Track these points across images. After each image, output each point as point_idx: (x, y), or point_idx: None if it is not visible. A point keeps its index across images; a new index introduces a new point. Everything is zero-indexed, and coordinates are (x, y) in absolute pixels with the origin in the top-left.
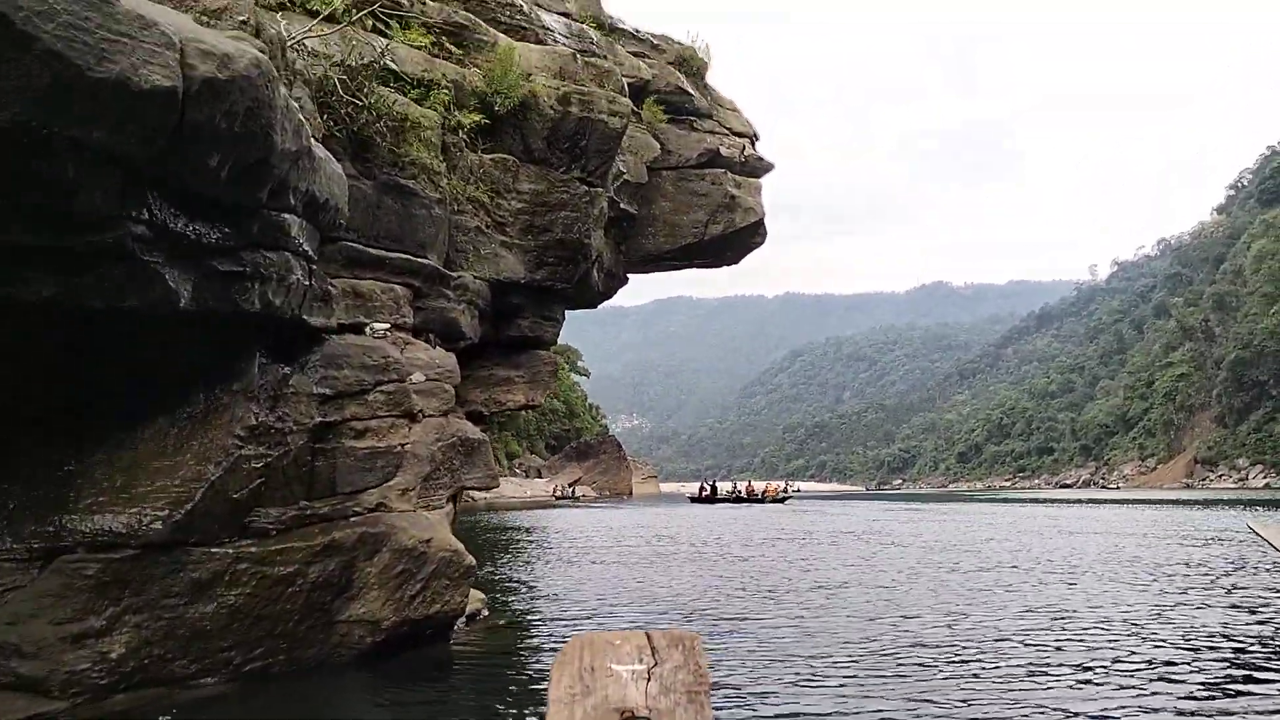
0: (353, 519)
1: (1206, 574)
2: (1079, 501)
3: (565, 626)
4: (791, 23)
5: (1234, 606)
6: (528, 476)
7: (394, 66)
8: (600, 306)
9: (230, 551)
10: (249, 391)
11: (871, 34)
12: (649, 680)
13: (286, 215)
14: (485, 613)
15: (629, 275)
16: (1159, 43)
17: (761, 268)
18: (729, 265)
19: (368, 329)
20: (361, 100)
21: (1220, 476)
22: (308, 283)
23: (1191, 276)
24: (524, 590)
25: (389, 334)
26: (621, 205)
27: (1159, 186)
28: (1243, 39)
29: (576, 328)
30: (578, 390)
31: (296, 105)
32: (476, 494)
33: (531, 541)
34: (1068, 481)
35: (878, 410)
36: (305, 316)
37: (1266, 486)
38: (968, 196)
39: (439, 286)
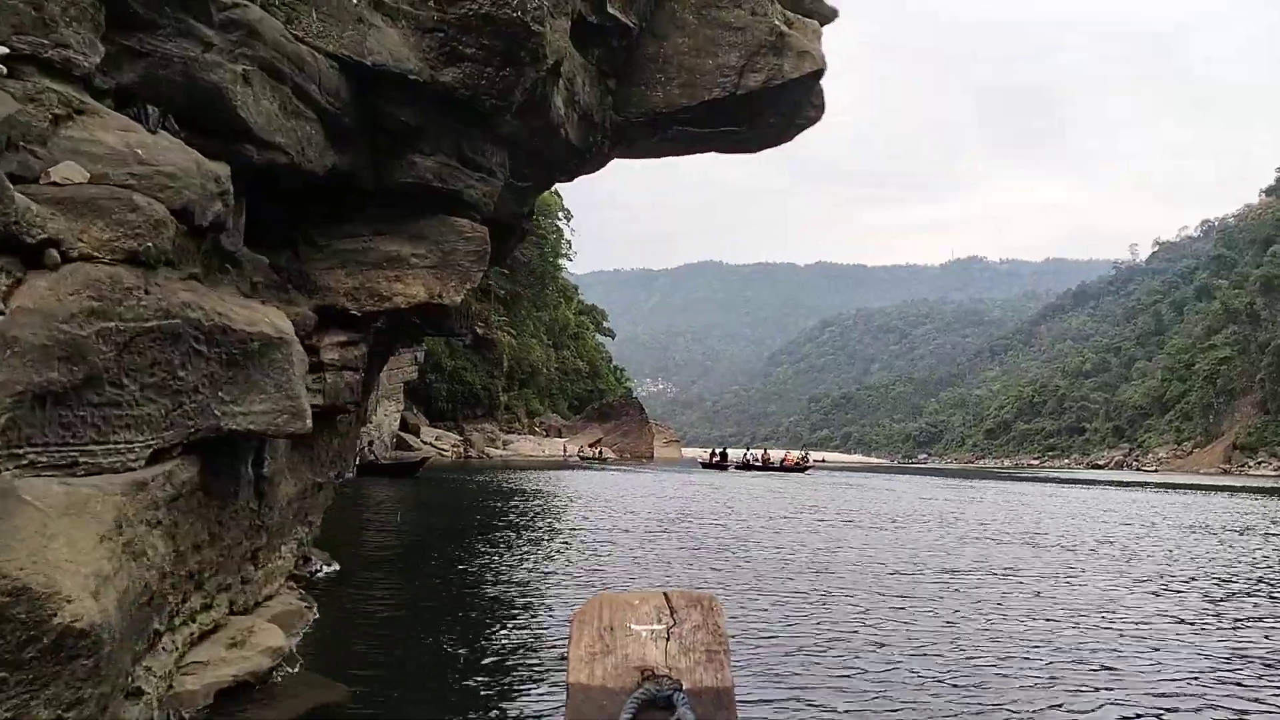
0: None
1: None
2: (1123, 484)
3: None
4: None
5: None
6: (547, 435)
7: None
8: (626, 267)
9: None
10: None
11: None
12: (668, 640)
13: None
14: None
15: (625, 152)
16: (1217, 20)
17: (794, 235)
18: (769, 144)
19: None
20: None
21: (1260, 464)
22: None
23: (1236, 259)
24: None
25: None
26: (611, 7)
27: (1205, 166)
28: None
29: (603, 290)
30: (603, 351)
31: None
32: (491, 451)
33: (514, 510)
34: (1099, 462)
35: (906, 383)
36: None
37: None
38: (1007, 170)
39: (186, 18)
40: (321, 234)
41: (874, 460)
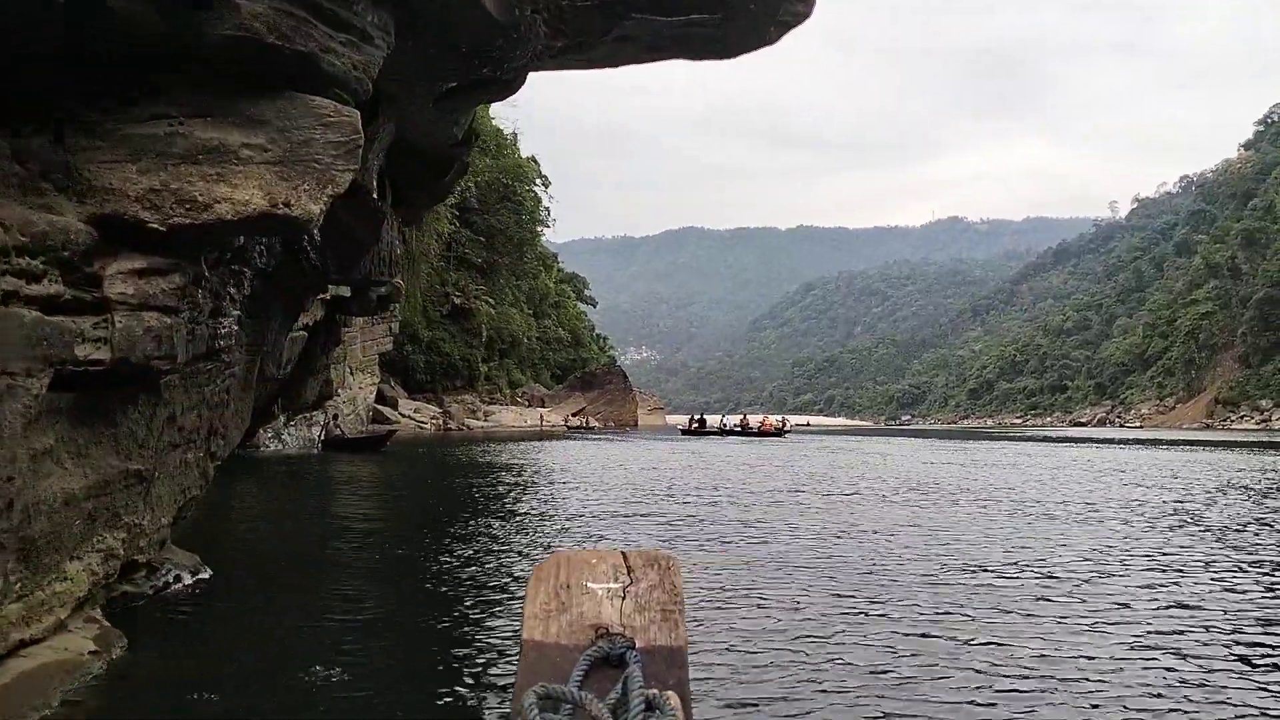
0: None
1: None
2: (1120, 442)
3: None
4: None
5: None
6: (530, 405)
7: None
8: (607, 235)
9: None
10: None
11: None
12: (624, 598)
13: None
14: None
15: (576, 56)
16: None
17: (774, 199)
18: (749, 47)
19: None
20: None
21: (1242, 417)
22: None
23: (1217, 214)
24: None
25: None
26: None
27: (1182, 122)
28: None
29: (586, 259)
30: (585, 319)
31: None
32: (472, 422)
33: (483, 481)
34: (1082, 420)
35: (889, 345)
36: None
37: None
38: (987, 131)
39: None
40: (103, 113)
41: (857, 423)
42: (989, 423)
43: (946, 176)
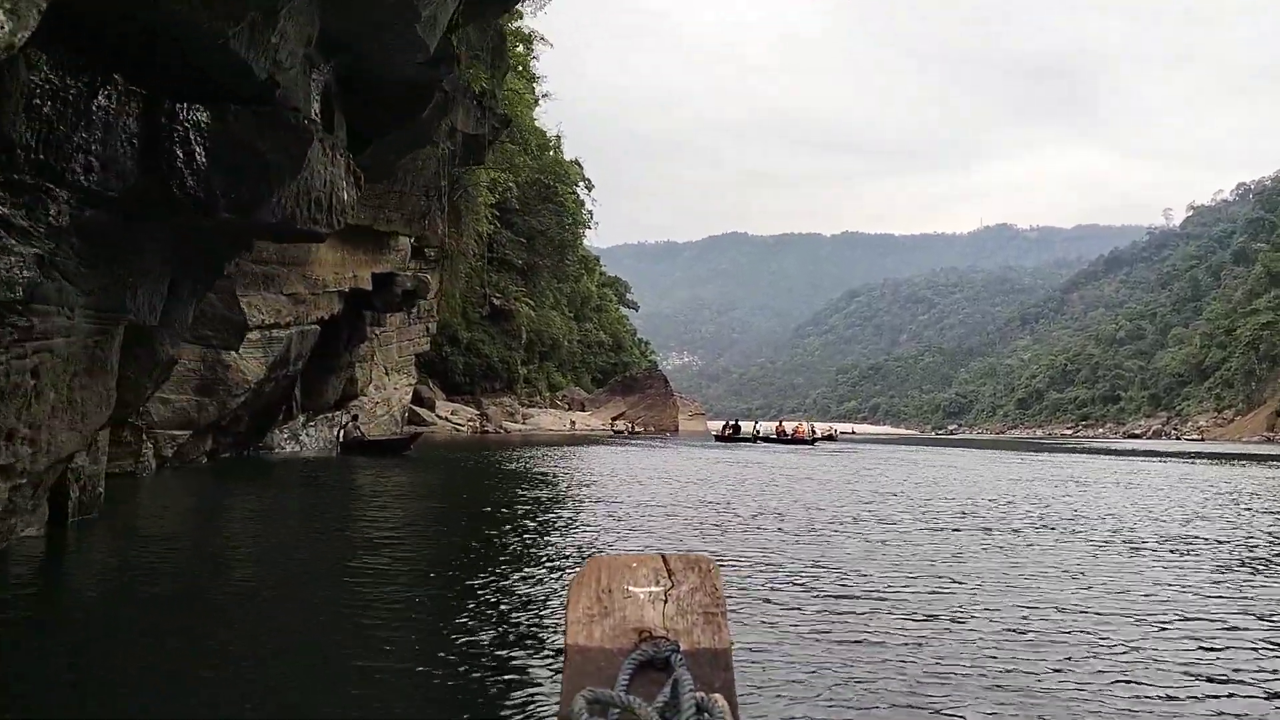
0: None
1: None
2: (1183, 455)
3: None
4: None
5: None
6: (570, 409)
7: None
8: (650, 240)
9: None
10: None
11: None
12: (666, 601)
13: None
14: None
15: None
16: None
17: (819, 206)
18: None
19: None
20: None
21: None
22: None
23: (1276, 222)
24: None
25: None
26: None
27: (1239, 129)
28: None
29: (629, 264)
30: (626, 324)
31: None
32: (510, 425)
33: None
34: (1136, 431)
35: (935, 353)
36: None
37: None
38: (1037, 135)
39: None
40: None
41: (903, 431)
42: (1038, 433)
43: (995, 183)
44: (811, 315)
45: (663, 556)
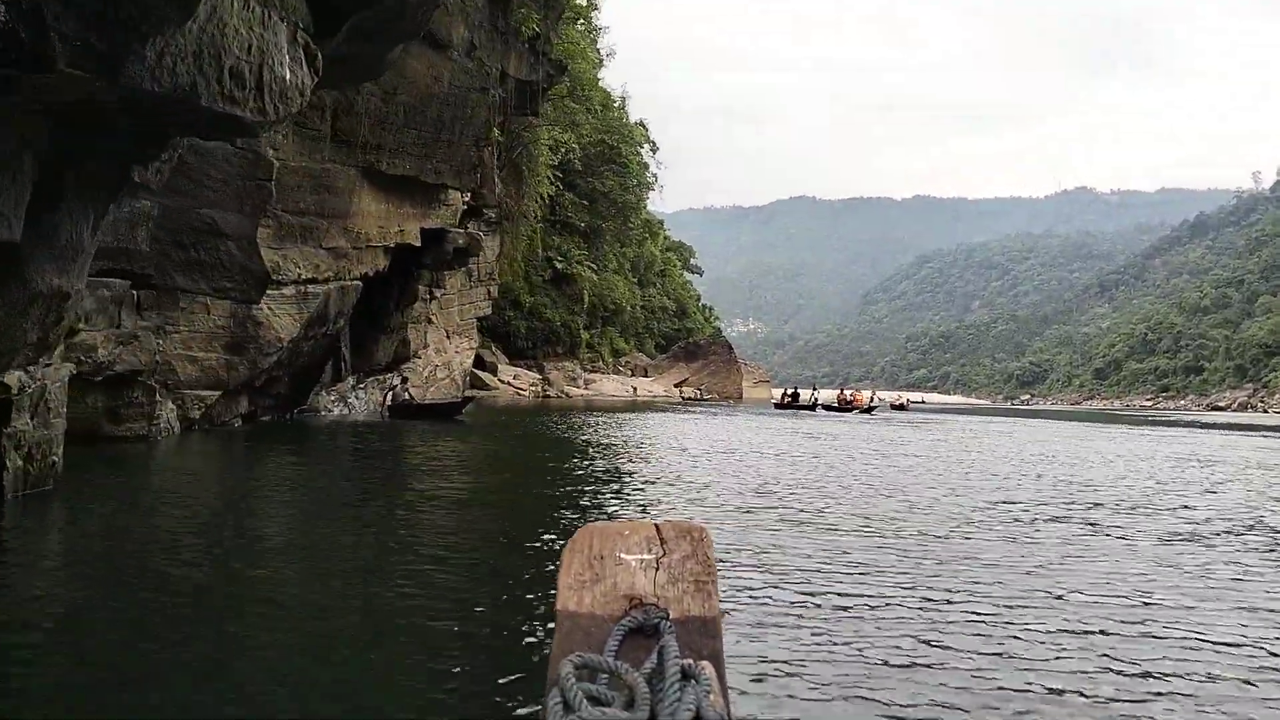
0: None
1: None
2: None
3: None
4: None
5: None
6: (633, 374)
7: None
8: (716, 205)
9: None
10: None
11: None
12: (657, 569)
13: None
14: None
15: None
16: None
17: (889, 168)
18: None
19: None
20: None
21: None
22: None
23: None
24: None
25: None
26: None
27: None
28: None
29: (694, 229)
30: (690, 289)
31: None
32: (572, 390)
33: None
34: (1220, 404)
35: (1008, 321)
36: None
37: None
38: (1117, 96)
39: None
40: None
41: (974, 401)
42: (1115, 404)
43: (1072, 144)
44: (880, 281)
45: (656, 525)
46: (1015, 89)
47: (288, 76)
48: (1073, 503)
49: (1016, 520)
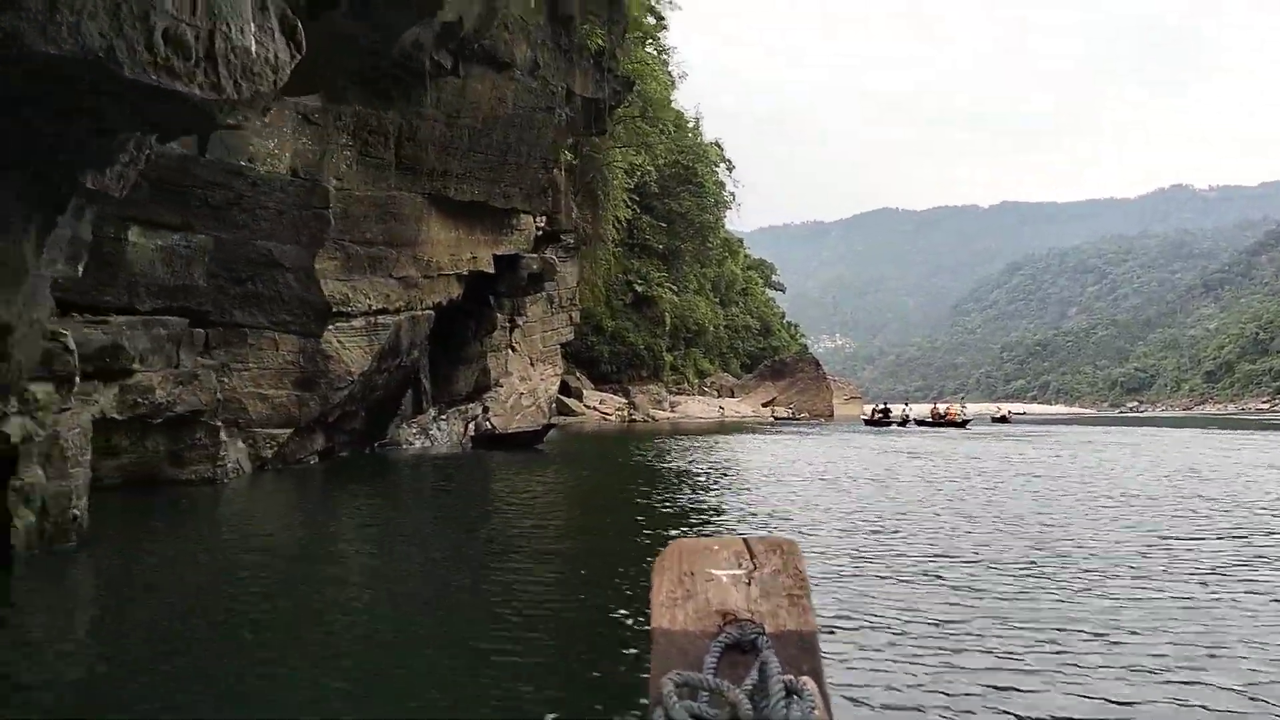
0: None
1: None
2: None
3: None
4: None
5: None
6: (719, 396)
7: None
8: (797, 221)
9: None
10: None
11: None
12: (749, 584)
13: None
14: None
15: None
16: None
17: (973, 176)
18: None
19: None
20: None
21: None
22: None
23: None
24: None
25: None
26: None
27: None
28: None
29: (774, 246)
30: (773, 307)
31: None
32: (658, 413)
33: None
34: None
35: (1108, 326)
36: None
37: None
38: (1213, 89)
39: None
40: None
41: (1078, 410)
42: (1231, 408)
43: (1166, 140)
44: (969, 291)
45: (744, 540)
46: (1097, 98)
47: (252, 48)
48: (1252, 530)
49: (1171, 547)
